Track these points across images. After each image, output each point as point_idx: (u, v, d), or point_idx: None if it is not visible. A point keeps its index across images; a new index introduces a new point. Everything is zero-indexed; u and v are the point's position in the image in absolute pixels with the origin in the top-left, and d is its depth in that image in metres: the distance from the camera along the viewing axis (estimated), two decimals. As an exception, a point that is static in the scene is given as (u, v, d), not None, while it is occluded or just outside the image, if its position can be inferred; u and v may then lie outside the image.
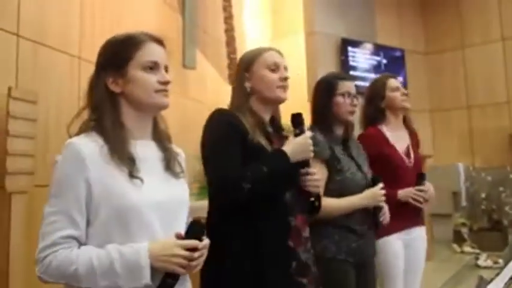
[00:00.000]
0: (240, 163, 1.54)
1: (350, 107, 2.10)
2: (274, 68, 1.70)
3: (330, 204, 1.93)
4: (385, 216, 2.11)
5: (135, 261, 1.11)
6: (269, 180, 1.54)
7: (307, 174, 1.66)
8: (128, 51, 1.27)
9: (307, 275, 1.62)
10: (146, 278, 1.12)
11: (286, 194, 1.63)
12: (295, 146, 1.60)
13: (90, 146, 1.19)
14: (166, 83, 1.28)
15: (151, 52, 1.28)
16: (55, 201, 1.16)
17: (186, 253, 1.15)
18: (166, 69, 1.31)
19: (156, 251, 1.13)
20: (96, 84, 1.28)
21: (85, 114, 1.28)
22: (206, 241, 1.21)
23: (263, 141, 1.61)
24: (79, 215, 1.16)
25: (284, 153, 1.58)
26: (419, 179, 2.38)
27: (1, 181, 1.97)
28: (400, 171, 2.40)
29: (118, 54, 1.28)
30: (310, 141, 1.63)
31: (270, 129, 1.72)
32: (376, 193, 2.02)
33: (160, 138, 1.35)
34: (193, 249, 1.17)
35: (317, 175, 1.68)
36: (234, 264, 1.54)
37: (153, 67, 1.28)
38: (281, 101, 1.73)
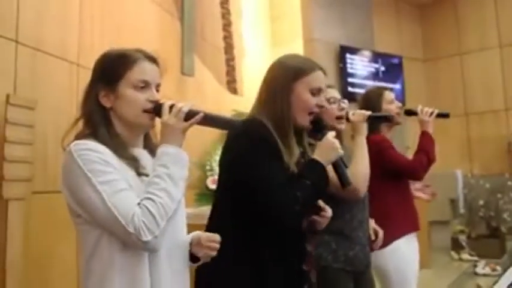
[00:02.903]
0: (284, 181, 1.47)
1: (337, 111, 2.07)
2: (316, 92, 1.59)
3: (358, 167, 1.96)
4: (378, 241, 2.15)
5: (174, 159, 1.22)
6: (314, 193, 1.51)
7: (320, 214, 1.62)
8: (121, 68, 1.29)
9: None
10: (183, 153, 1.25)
11: (304, 222, 1.60)
12: (323, 150, 1.55)
13: (100, 145, 1.21)
14: (154, 102, 1.29)
15: (143, 71, 1.30)
16: (105, 186, 1.15)
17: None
18: (157, 87, 1.33)
19: (169, 140, 1.24)
20: (89, 96, 1.31)
21: (80, 124, 1.30)
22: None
23: (295, 170, 1.53)
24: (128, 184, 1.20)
25: (317, 162, 1.52)
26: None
27: (-2, 188, 1.96)
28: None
29: (111, 70, 1.30)
30: (333, 140, 1.56)
31: (301, 159, 1.62)
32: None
33: (152, 147, 1.37)
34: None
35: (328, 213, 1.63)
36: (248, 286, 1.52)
37: (144, 86, 1.30)
38: (306, 127, 1.63)
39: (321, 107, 1.61)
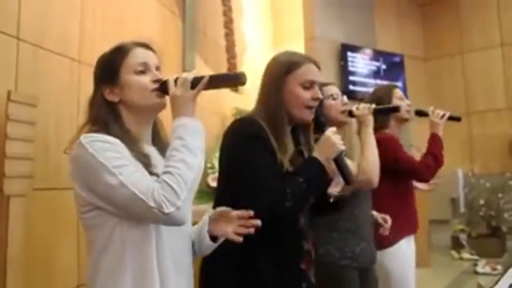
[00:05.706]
0: (277, 176, 1.47)
1: (341, 106, 2.09)
2: (309, 86, 1.59)
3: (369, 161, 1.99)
4: (386, 228, 2.15)
5: (188, 129, 1.23)
6: (307, 191, 1.50)
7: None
8: (118, 59, 1.32)
9: None
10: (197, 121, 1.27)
11: (301, 220, 1.60)
12: (322, 147, 1.54)
13: (111, 137, 1.22)
14: (158, 80, 1.31)
15: (139, 55, 1.33)
16: (121, 169, 1.16)
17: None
18: (158, 70, 1.35)
19: (180, 111, 1.26)
20: (95, 98, 1.32)
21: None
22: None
23: (289, 167, 1.53)
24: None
25: (314, 159, 1.52)
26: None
27: (-1, 184, 1.96)
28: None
29: (109, 65, 1.33)
30: (332, 136, 1.55)
31: (297, 150, 1.63)
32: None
33: (160, 144, 1.38)
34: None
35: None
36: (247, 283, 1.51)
37: (144, 69, 1.32)
38: (307, 122, 1.63)
39: (316, 99, 1.59)
